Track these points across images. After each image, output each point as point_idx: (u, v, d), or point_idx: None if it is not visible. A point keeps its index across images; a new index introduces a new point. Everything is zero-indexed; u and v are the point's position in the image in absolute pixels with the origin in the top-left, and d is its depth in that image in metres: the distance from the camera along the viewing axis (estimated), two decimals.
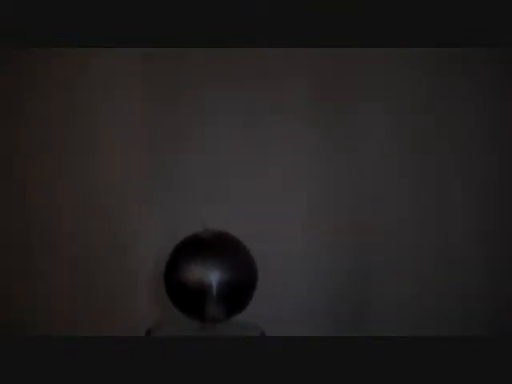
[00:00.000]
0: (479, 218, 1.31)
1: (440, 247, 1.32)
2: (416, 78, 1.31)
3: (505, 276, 1.31)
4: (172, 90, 1.33)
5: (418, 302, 1.32)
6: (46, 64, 1.33)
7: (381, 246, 1.32)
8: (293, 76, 1.32)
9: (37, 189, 1.35)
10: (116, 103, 1.34)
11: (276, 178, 1.33)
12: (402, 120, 1.32)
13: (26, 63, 1.33)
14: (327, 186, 1.33)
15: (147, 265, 1.33)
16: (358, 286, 1.33)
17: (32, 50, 1.30)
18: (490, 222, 1.31)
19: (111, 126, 1.34)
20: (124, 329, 1.29)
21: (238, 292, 1.08)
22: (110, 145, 1.34)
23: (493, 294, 1.31)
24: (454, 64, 1.30)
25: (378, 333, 1.29)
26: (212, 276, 1.06)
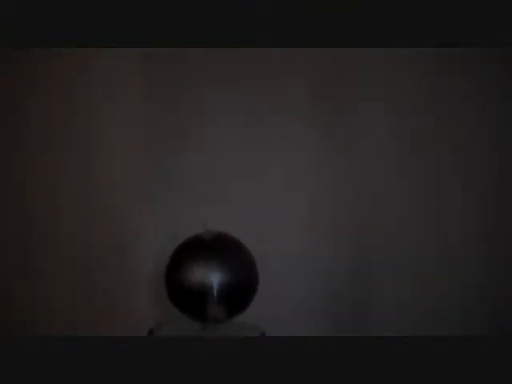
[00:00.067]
0: (479, 217, 1.31)
1: (440, 247, 1.32)
2: (416, 78, 1.31)
3: (505, 276, 1.31)
4: (172, 90, 1.33)
5: (418, 302, 1.32)
6: (45, 64, 1.33)
7: (381, 245, 1.32)
8: (293, 76, 1.32)
9: (37, 189, 1.35)
10: (116, 103, 1.34)
11: (276, 178, 1.33)
12: (401, 120, 1.32)
13: (26, 63, 1.33)
14: (327, 186, 1.33)
15: (147, 265, 1.33)
16: (358, 286, 1.33)
17: (32, 49, 1.30)
18: (490, 222, 1.31)
19: (111, 126, 1.34)
20: (124, 329, 1.29)
21: (239, 293, 1.08)
22: (110, 145, 1.34)
23: (493, 294, 1.31)
24: (453, 64, 1.30)
25: (378, 333, 1.29)
26: (213, 277, 1.07)
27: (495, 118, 1.31)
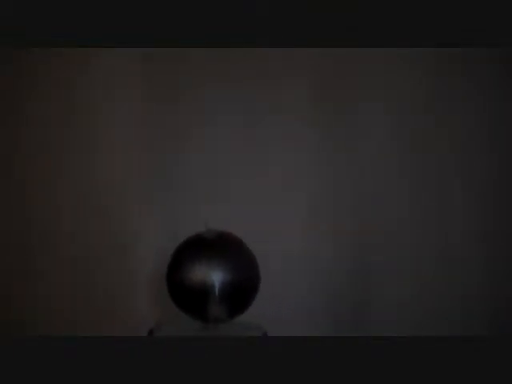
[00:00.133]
0: (479, 218, 1.31)
1: (440, 247, 1.32)
2: (416, 78, 1.31)
3: (505, 276, 1.31)
4: (172, 90, 1.33)
5: (418, 302, 1.32)
6: (45, 64, 1.33)
7: (381, 245, 1.32)
8: (293, 76, 1.32)
9: (37, 189, 1.34)
10: (116, 103, 1.34)
11: (276, 178, 1.33)
12: (402, 120, 1.32)
13: (26, 63, 1.33)
14: (327, 186, 1.33)
15: (147, 265, 1.33)
16: (358, 286, 1.33)
17: (32, 49, 1.30)
18: (490, 222, 1.31)
19: (111, 126, 1.34)
20: (124, 329, 1.29)
21: (241, 292, 1.08)
22: (110, 145, 1.34)
23: (493, 294, 1.31)
24: (453, 64, 1.30)
25: (378, 333, 1.29)
26: (215, 276, 1.06)
27: (495, 118, 1.31)
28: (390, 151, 1.32)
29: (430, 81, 1.31)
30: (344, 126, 1.32)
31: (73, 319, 1.34)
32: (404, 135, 1.32)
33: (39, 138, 1.34)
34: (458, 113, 1.31)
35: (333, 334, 1.29)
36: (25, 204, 1.35)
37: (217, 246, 1.09)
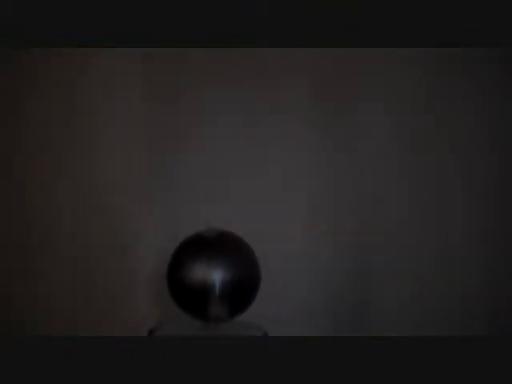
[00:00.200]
0: (479, 217, 1.31)
1: (440, 247, 1.32)
2: (416, 78, 1.31)
3: (505, 276, 1.31)
4: (172, 90, 1.33)
5: (418, 302, 1.32)
6: (45, 64, 1.33)
7: (381, 245, 1.32)
8: (293, 76, 1.32)
9: (37, 189, 1.34)
10: (116, 103, 1.34)
11: (276, 178, 1.33)
12: (402, 120, 1.32)
13: (26, 63, 1.33)
14: (327, 186, 1.33)
15: (147, 265, 1.33)
16: (358, 286, 1.33)
17: (32, 49, 1.30)
18: (490, 222, 1.31)
19: (111, 126, 1.34)
20: (124, 329, 1.29)
21: (241, 292, 1.08)
22: (110, 145, 1.34)
23: (493, 294, 1.31)
24: (453, 64, 1.30)
25: (378, 333, 1.29)
26: (215, 275, 1.06)
27: (495, 118, 1.31)
28: (390, 151, 1.32)
29: (429, 81, 1.31)
30: (344, 126, 1.32)
31: (73, 319, 1.34)
32: (404, 135, 1.32)
33: (39, 138, 1.34)
34: (458, 113, 1.31)
35: (333, 334, 1.29)
36: (25, 204, 1.35)
37: (217, 245, 1.08)
